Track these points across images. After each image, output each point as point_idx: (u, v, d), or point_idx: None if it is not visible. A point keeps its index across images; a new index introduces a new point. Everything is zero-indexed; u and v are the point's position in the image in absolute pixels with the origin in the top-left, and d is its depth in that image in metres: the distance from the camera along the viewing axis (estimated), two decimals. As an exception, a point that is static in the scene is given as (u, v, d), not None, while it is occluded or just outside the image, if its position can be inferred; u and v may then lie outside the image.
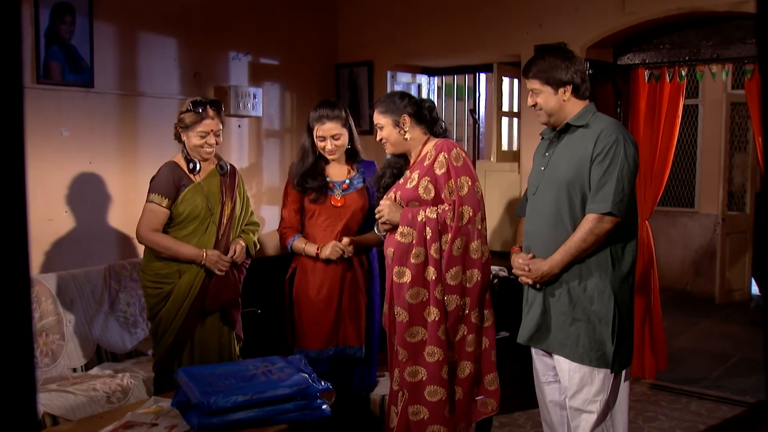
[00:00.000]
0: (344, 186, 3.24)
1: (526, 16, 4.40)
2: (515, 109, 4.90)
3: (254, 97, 4.56)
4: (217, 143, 3.12)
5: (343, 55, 5.23)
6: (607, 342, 2.49)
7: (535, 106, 2.66)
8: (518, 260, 2.64)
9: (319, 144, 3.20)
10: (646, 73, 4.35)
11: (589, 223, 2.47)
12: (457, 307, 2.76)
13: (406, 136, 2.88)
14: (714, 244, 7.25)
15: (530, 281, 2.60)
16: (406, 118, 2.87)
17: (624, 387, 2.63)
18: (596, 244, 2.48)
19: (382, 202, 2.86)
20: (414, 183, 2.81)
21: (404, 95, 2.97)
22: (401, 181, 2.90)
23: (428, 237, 2.72)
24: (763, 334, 4.53)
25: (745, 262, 7.22)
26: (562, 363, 2.58)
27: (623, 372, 2.61)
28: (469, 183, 2.77)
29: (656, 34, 4.23)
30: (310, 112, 3.23)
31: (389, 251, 2.84)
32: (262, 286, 3.75)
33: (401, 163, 3.00)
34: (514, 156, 4.85)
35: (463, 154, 2.84)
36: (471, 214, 2.74)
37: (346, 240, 3.16)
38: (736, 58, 4.03)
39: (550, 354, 2.66)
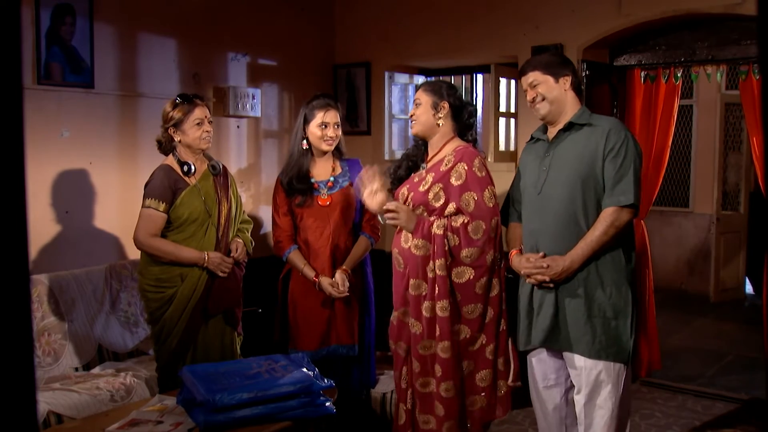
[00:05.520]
0: (329, 184, 3.25)
1: (523, 17, 4.43)
2: (512, 110, 4.94)
3: (253, 97, 4.58)
4: (212, 131, 3.13)
5: (341, 55, 5.26)
6: (624, 335, 2.53)
7: (534, 100, 2.67)
8: (527, 261, 2.62)
9: (320, 132, 3.19)
10: (642, 74, 4.39)
11: (609, 216, 2.51)
12: (480, 316, 2.77)
13: (438, 122, 2.87)
14: (708, 243, 7.30)
15: (548, 278, 2.56)
16: (446, 106, 2.87)
17: (629, 379, 2.67)
18: (616, 236, 2.53)
19: (398, 205, 2.81)
20: (426, 187, 2.80)
21: (454, 87, 2.99)
22: (415, 178, 2.90)
23: (436, 251, 2.72)
24: (760, 332, 4.57)
25: (740, 262, 7.28)
26: (576, 360, 2.58)
27: (629, 365, 2.65)
28: (494, 193, 2.79)
29: (652, 36, 4.27)
30: (309, 103, 3.23)
31: (395, 252, 2.86)
32: (263, 285, 3.76)
33: (418, 156, 2.98)
34: (511, 156, 4.88)
35: (485, 162, 2.85)
36: (485, 226, 2.73)
37: (339, 276, 3.16)
38: (731, 60, 4.07)
39: (558, 355, 2.67)
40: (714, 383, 4.61)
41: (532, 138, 2.84)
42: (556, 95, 2.63)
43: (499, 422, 3.80)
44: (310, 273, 3.17)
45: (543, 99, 2.65)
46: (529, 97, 2.70)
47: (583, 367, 2.57)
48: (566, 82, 2.63)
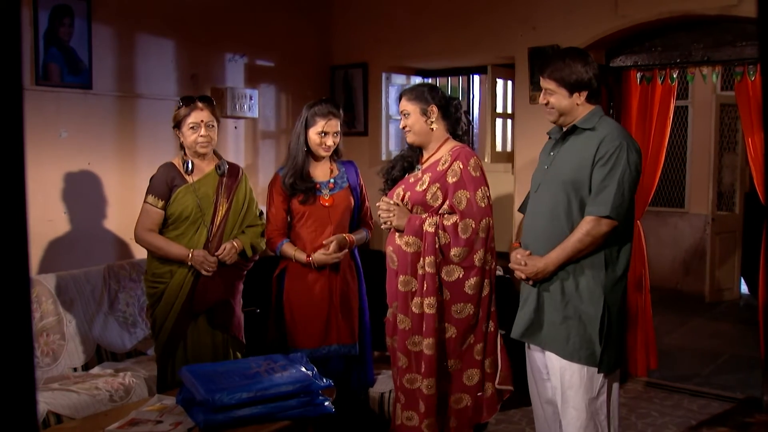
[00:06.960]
0: (330, 186, 3.27)
1: (519, 18, 4.45)
2: (509, 111, 4.96)
3: (250, 98, 4.59)
4: (211, 136, 3.11)
5: (338, 56, 5.27)
6: (596, 341, 2.52)
7: (547, 104, 2.66)
8: (516, 255, 2.68)
9: (319, 139, 3.20)
10: (638, 75, 4.41)
11: (586, 225, 2.51)
12: (470, 316, 2.81)
13: (432, 126, 2.90)
14: (704, 243, 7.33)
15: (524, 276, 2.64)
16: (434, 109, 2.90)
17: (614, 388, 2.67)
18: (592, 245, 2.51)
19: (388, 206, 2.86)
20: (424, 187, 2.83)
21: (434, 88, 3.00)
22: (411, 179, 2.92)
23: (426, 249, 2.76)
24: (755, 332, 4.59)
25: (735, 262, 7.30)
26: (552, 360, 2.62)
27: (614, 373, 2.64)
28: (487, 194, 2.82)
29: (648, 37, 4.29)
30: (313, 108, 3.23)
31: (389, 250, 2.88)
32: (263, 285, 3.77)
33: (413, 157, 3.02)
34: (508, 157, 4.90)
35: (481, 163, 2.87)
36: (474, 225, 2.78)
37: (334, 246, 3.16)
38: (727, 61, 4.09)
39: (542, 351, 2.71)
40: (709, 382, 4.64)
41: (549, 135, 2.84)
42: (565, 107, 2.62)
43: (497, 422, 3.81)
44: (302, 256, 3.19)
45: (552, 107, 2.65)
46: (541, 101, 2.68)
47: (558, 366, 2.60)
48: (580, 97, 2.60)
